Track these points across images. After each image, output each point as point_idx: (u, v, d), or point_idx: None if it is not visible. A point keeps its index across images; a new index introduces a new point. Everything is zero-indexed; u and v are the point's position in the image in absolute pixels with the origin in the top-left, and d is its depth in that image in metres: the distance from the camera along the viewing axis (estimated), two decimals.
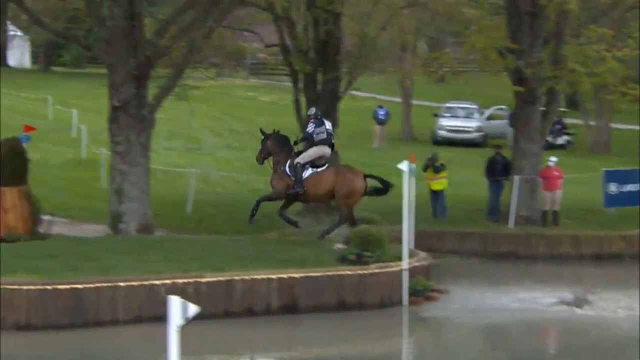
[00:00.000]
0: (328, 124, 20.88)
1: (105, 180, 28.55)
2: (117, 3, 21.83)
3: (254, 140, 21.28)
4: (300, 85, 27.16)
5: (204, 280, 17.55)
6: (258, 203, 20.76)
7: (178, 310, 8.59)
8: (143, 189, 22.28)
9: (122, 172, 22.09)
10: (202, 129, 41.86)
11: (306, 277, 18.23)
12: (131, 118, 22.01)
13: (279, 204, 21.26)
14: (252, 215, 20.73)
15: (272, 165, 20.88)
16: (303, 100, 27.23)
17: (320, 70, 26.88)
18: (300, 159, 20.45)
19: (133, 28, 21.88)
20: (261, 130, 21.21)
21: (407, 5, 25.93)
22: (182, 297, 8.81)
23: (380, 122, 43.30)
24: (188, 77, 25.61)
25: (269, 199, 20.82)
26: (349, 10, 26.84)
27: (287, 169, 20.48)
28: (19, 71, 60.87)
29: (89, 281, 16.79)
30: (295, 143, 20.85)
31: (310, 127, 20.66)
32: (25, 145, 22.14)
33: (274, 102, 52.87)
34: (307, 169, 20.47)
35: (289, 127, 24.28)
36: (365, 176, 20.68)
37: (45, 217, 21.98)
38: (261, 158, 21.08)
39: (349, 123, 37.61)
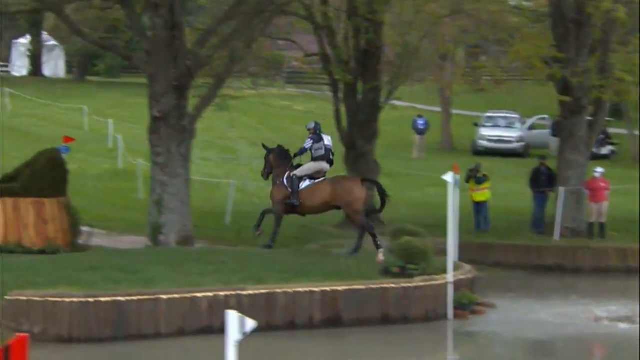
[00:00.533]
0: (327, 140, 20.71)
1: (143, 191, 28.42)
2: (158, 13, 21.63)
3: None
4: (341, 94, 26.89)
5: (245, 292, 17.34)
6: (263, 214, 20.61)
7: (236, 324, 8.36)
8: (183, 200, 22.06)
9: (162, 183, 21.88)
10: (238, 139, 41.67)
11: (349, 289, 17.96)
12: (172, 129, 21.80)
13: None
14: (259, 225, 20.58)
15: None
16: (343, 110, 26.98)
17: (360, 80, 26.61)
18: (297, 172, 20.36)
19: (174, 38, 21.68)
20: (264, 146, 21.17)
21: (450, 13, 25.58)
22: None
23: (420, 132, 42.94)
24: (227, 87, 25.42)
25: (272, 211, 20.73)
26: (391, 19, 26.49)
27: (285, 181, 20.41)
28: (54, 81, 60.96)
29: (131, 294, 16.65)
30: (295, 156, 20.77)
31: (308, 143, 20.51)
32: (64, 156, 22.00)
33: (309, 111, 52.52)
34: (305, 180, 20.36)
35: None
36: (363, 181, 20.66)
37: (85, 229, 21.82)
38: (266, 173, 21.01)
39: (389, 133, 37.24)
